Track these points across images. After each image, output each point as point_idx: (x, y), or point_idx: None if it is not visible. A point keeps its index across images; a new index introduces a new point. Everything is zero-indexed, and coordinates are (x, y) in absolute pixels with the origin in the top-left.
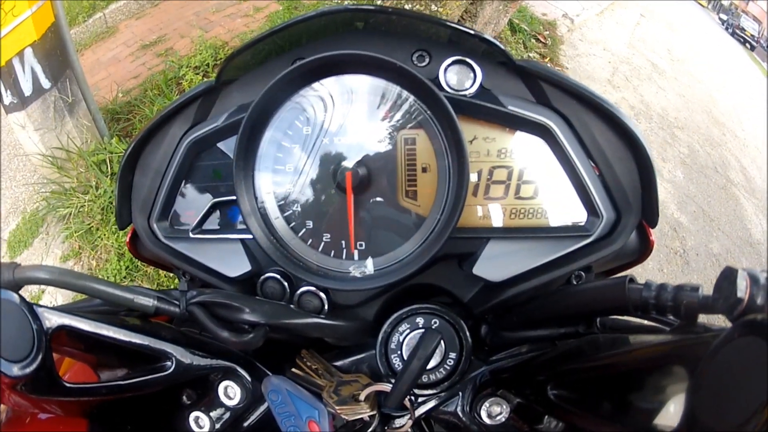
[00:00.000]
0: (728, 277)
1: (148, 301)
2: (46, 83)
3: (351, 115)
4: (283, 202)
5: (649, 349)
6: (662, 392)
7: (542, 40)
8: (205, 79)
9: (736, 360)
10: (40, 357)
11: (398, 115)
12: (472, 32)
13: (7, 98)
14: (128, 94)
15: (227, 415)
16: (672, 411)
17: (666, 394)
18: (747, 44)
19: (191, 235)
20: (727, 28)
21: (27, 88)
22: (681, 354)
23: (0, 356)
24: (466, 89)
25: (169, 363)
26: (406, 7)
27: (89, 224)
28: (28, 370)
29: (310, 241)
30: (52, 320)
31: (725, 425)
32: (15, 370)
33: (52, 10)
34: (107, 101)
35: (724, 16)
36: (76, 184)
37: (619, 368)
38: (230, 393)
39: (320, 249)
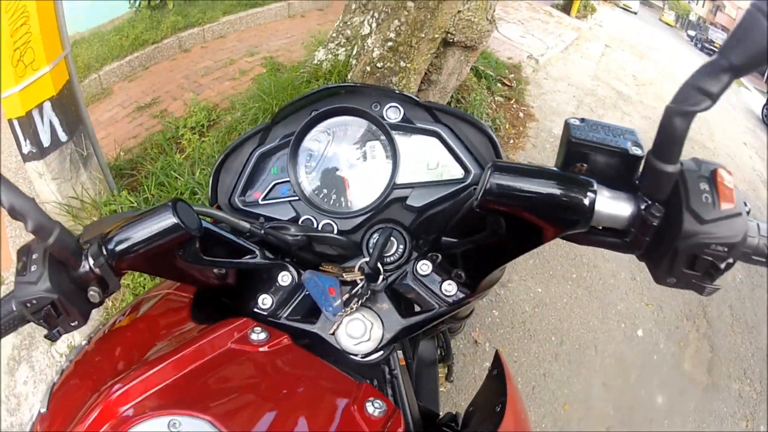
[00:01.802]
0: None
1: (246, 227)
2: (63, 136)
3: (344, 137)
4: (311, 181)
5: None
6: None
7: (507, 83)
8: (202, 138)
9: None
10: (200, 232)
11: (367, 136)
12: (397, 91)
13: (26, 147)
14: (130, 152)
15: (281, 294)
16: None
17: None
18: None
19: (260, 202)
20: (696, 44)
21: (45, 139)
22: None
23: (185, 224)
24: (397, 119)
25: (257, 254)
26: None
27: None
28: (197, 234)
29: (325, 199)
30: (204, 224)
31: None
32: (194, 231)
33: (67, 69)
34: (111, 159)
35: (692, 33)
36: None
37: (472, 217)
38: (285, 279)
39: (331, 202)
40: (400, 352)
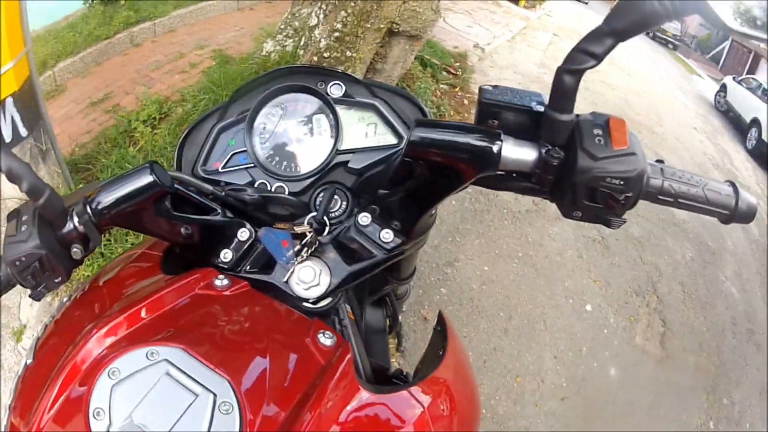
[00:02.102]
0: None
1: (209, 189)
2: (23, 131)
3: (294, 111)
4: (265, 149)
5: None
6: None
7: (452, 71)
8: (154, 131)
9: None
10: (172, 189)
11: (313, 109)
12: (340, 71)
13: None
14: (84, 147)
15: (241, 248)
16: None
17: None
18: (669, 45)
19: (220, 170)
20: (647, 33)
21: (7, 135)
22: None
23: (162, 181)
24: (339, 94)
25: (218, 212)
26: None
27: None
28: (170, 190)
29: (278, 165)
30: (175, 184)
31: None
32: (169, 188)
33: (28, 64)
34: (66, 154)
35: None
36: None
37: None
38: (243, 235)
39: (282, 168)
40: (348, 307)
